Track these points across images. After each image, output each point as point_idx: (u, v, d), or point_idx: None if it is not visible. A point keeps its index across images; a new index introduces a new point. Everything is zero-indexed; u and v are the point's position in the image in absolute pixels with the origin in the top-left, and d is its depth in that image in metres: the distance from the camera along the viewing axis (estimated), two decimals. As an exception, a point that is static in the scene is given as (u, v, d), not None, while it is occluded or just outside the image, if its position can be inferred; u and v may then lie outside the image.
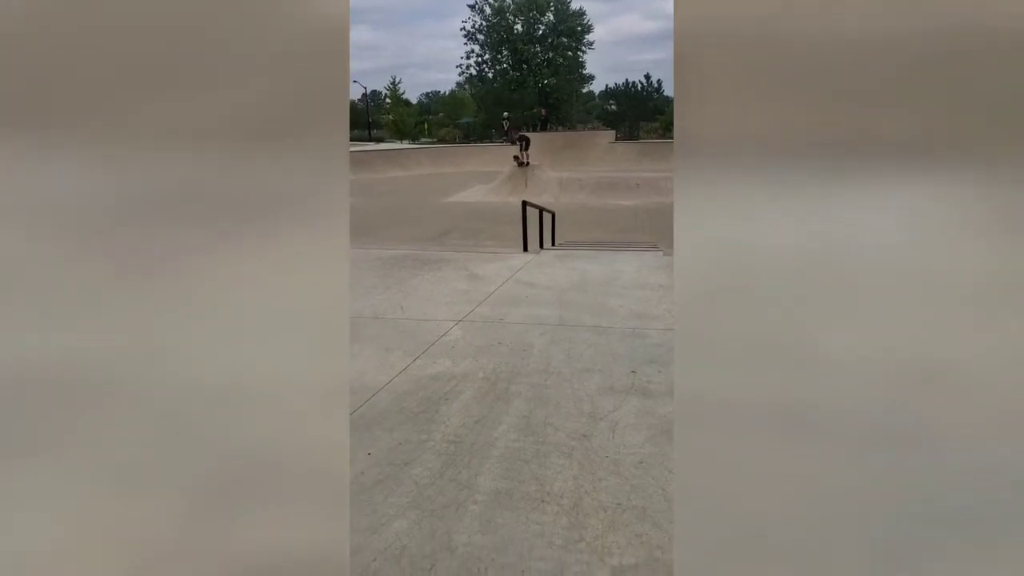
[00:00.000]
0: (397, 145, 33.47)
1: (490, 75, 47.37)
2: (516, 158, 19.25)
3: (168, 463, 0.90)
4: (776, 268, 1.01)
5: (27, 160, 0.88)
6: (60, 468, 0.88)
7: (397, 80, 64.01)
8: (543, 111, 30.92)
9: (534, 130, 24.63)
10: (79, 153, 0.91)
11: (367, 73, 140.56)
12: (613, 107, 53.24)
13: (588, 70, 49.27)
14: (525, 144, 19.69)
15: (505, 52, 46.27)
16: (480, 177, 17.33)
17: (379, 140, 42.54)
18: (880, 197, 0.98)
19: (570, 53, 47.01)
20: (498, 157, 21.09)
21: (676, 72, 1.04)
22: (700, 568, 0.96)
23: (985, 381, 0.95)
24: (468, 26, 46.91)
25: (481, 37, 46.69)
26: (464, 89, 52.00)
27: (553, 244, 8.65)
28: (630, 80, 55.59)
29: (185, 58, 0.93)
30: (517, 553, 1.89)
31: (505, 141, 26.52)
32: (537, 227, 8.03)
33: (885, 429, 0.95)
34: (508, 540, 1.95)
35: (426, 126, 51.86)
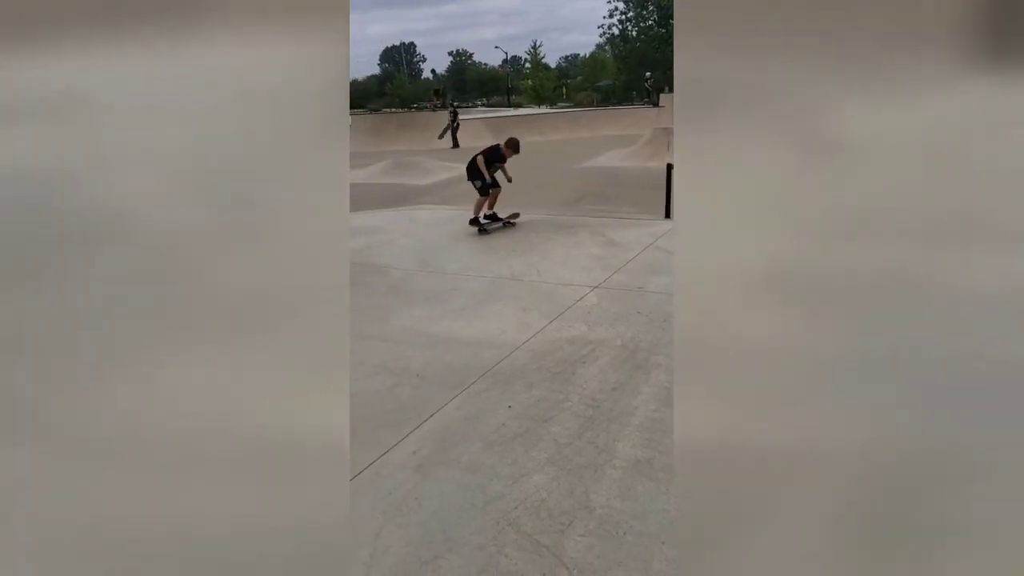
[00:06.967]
0: (535, 110, 33.38)
1: (633, 33, 45.04)
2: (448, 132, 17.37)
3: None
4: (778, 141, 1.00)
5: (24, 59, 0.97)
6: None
7: (538, 44, 63.59)
8: (648, 76, 28.03)
9: (660, 92, 22.52)
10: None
11: (511, 39, 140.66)
12: (769, 63, 48.11)
13: (742, 22, 44.77)
14: (452, 115, 17.42)
15: (651, 7, 43.60)
16: (617, 141, 16.70)
17: (517, 106, 42.80)
18: None
19: (723, 5, 43.04)
20: (638, 120, 20.13)
21: None
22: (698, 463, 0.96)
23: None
24: (613, -19, 44.97)
25: (626, -7, 44.43)
26: (604, 51, 50.17)
27: (695, 212, 8.14)
28: (791, 32, 49.66)
29: None
30: (657, 523, 1.85)
31: (647, 103, 25.12)
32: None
33: (880, 290, 0.96)
34: (648, 509, 1.91)
35: (564, 90, 51.09)
